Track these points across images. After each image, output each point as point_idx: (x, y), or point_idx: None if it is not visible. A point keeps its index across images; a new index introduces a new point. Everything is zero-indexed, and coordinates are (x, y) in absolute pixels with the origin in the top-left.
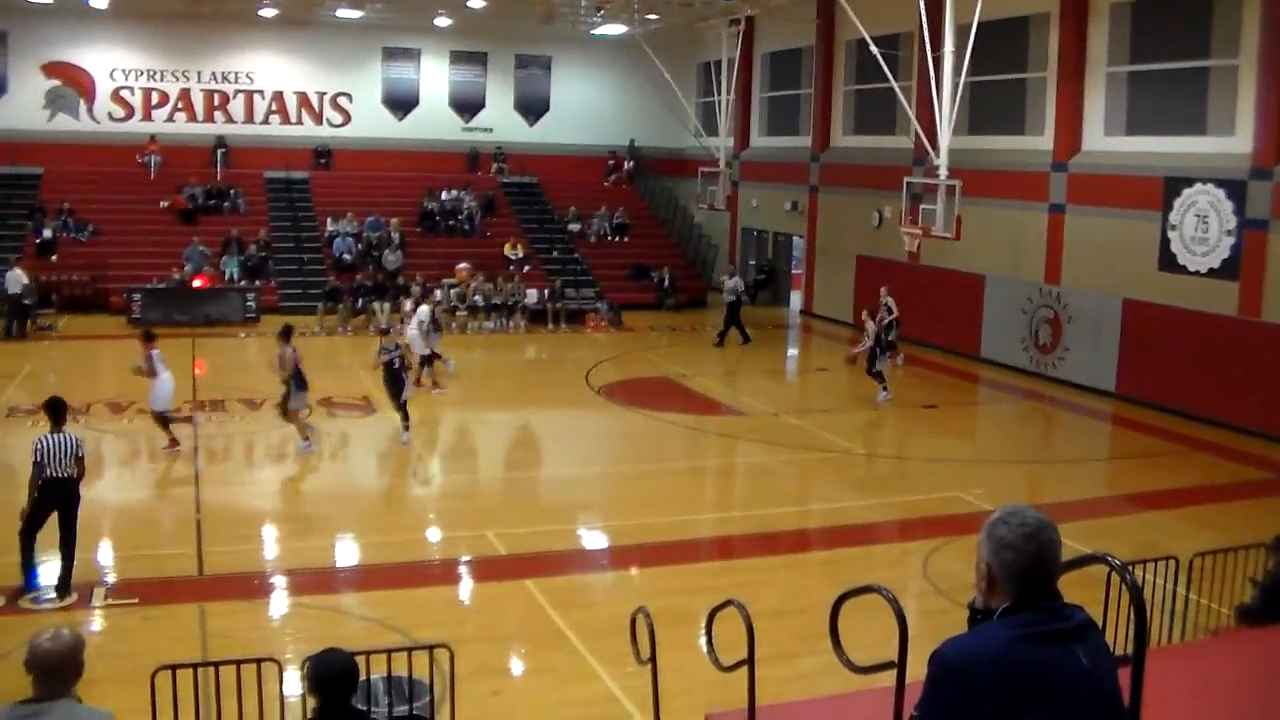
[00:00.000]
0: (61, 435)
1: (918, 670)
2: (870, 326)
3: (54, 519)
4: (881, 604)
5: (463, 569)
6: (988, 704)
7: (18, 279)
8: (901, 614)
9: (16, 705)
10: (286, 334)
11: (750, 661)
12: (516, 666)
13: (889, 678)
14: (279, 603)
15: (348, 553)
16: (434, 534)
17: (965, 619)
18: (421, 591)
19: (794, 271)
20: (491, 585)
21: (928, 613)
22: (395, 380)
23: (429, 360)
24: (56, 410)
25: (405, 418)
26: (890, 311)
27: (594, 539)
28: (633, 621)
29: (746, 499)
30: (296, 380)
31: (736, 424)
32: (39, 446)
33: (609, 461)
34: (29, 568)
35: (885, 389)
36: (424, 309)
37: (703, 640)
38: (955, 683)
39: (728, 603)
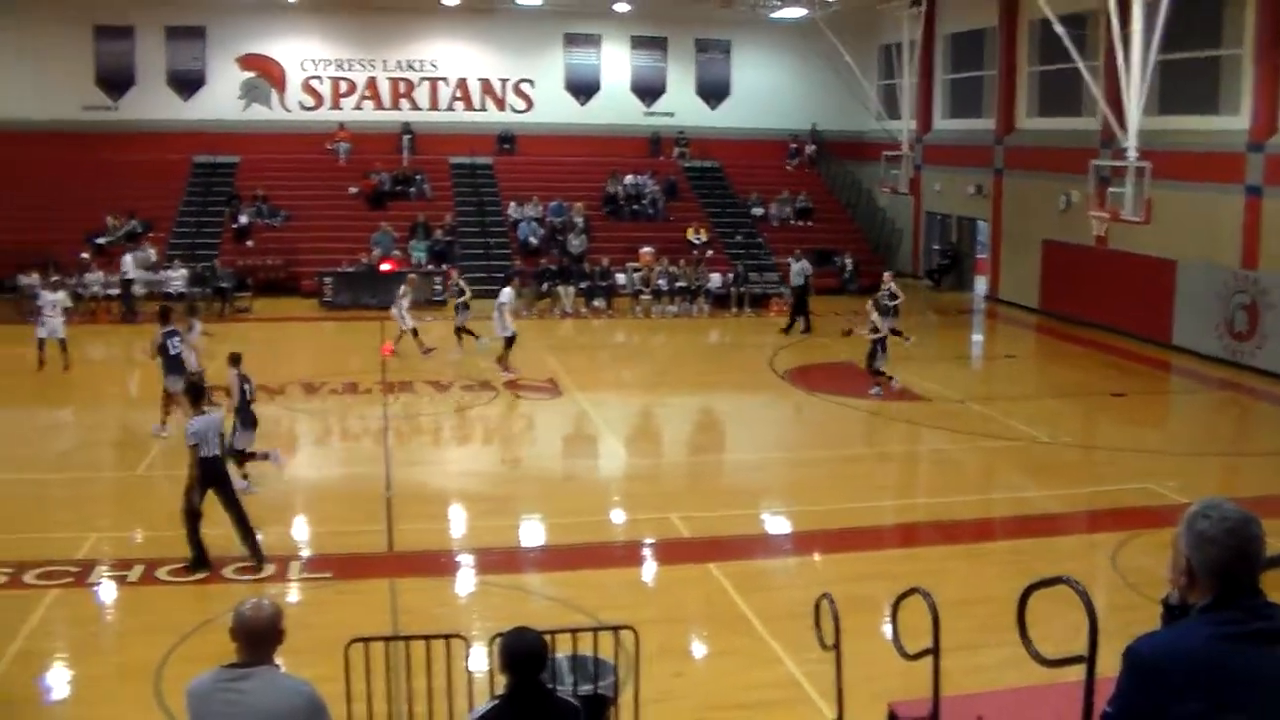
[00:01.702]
0: (208, 416)
1: (1107, 666)
2: (874, 317)
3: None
4: (1069, 597)
5: (646, 551)
6: (1184, 705)
7: (132, 263)
8: (1092, 607)
9: (223, 669)
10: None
11: (935, 651)
12: (699, 649)
13: (1077, 673)
14: (466, 580)
15: (533, 533)
16: (618, 516)
17: (1159, 615)
18: (606, 573)
19: (979, 256)
20: (675, 568)
21: (1117, 607)
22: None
23: (511, 341)
24: (198, 392)
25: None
26: (894, 297)
27: (777, 523)
28: (816, 607)
29: (929, 486)
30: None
31: (920, 410)
32: (195, 429)
33: (792, 446)
34: (198, 548)
35: (879, 387)
36: (508, 290)
37: (887, 628)
38: (1151, 681)
39: (912, 591)
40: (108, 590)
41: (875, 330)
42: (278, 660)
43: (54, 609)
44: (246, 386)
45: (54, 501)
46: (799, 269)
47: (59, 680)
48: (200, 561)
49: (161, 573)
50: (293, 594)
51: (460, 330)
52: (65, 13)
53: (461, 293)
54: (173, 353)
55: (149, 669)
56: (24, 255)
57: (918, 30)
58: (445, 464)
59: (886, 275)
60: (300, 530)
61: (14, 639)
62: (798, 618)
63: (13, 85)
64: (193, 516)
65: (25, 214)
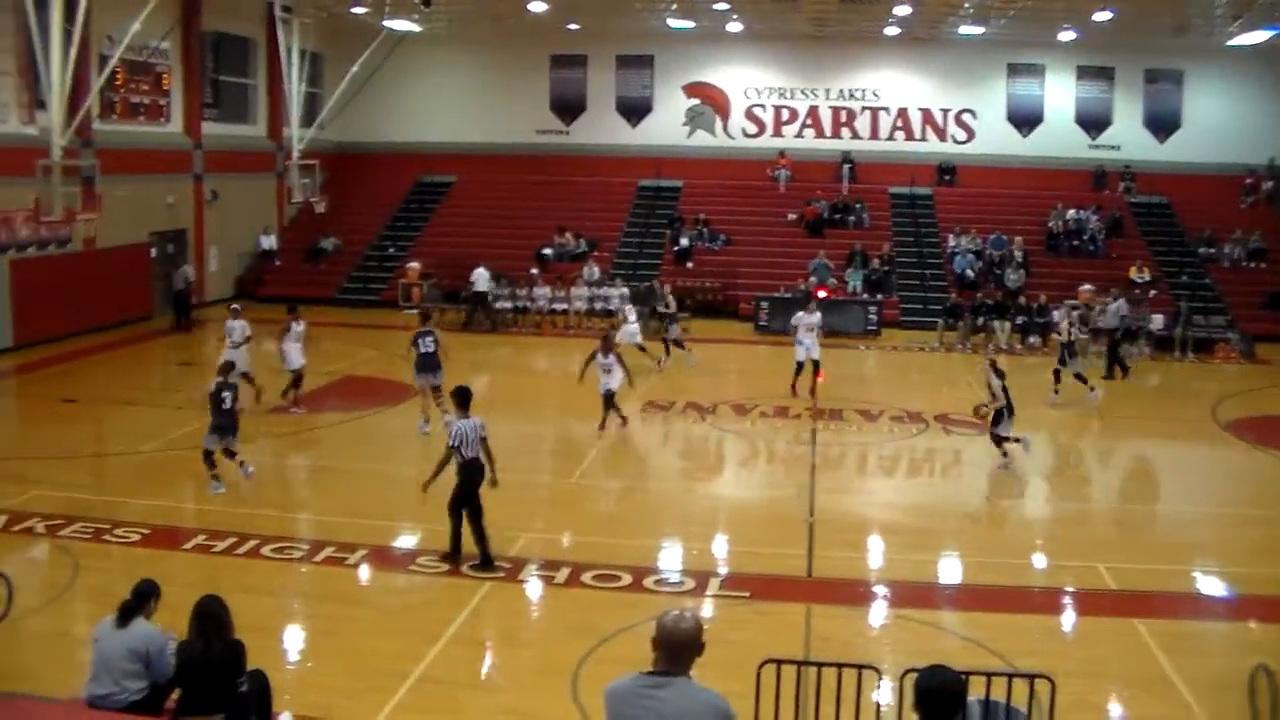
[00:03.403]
0: (470, 420)
1: None
2: (995, 381)
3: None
4: None
5: (1067, 599)
6: None
7: (483, 276)
8: None
9: (642, 675)
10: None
11: None
12: (1116, 709)
13: None
14: (880, 612)
15: (951, 570)
16: (1040, 560)
17: None
18: (1023, 618)
19: None
20: (1097, 620)
21: None
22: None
23: (815, 367)
24: (463, 398)
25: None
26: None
27: (1211, 584)
28: (1251, 679)
29: None
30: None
31: None
32: (457, 431)
33: (1233, 502)
34: (457, 540)
35: (1006, 455)
36: (806, 316)
37: None
38: None
39: None
40: (534, 588)
41: (993, 396)
42: (691, 672)
43: (487, 600)
44: (226, 395)
45: (494, 502)
46: (1114, 309)
47: (485, 665)
48: (454, 554)
49: (586, 577)
50: (709, 609)
51: (671, 341)
52: (526, 44)
53: (668, 305)
54: (423, 351)
55: (568, 666)
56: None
57: None
58: (869, 493)
59: (1073, 310)
60: (721, 548)
61: (451, 624)
62: (1228, 688)
63: (476, 112)
64: (459, 511)
65: (482, 230)
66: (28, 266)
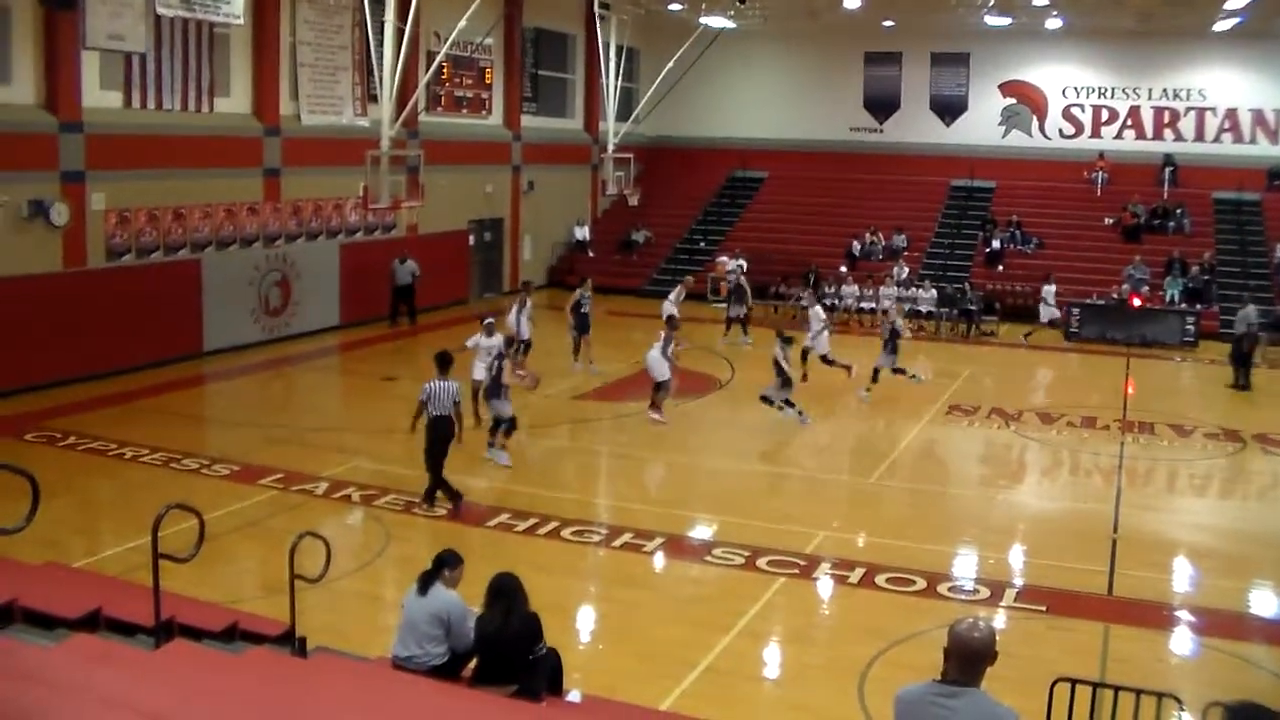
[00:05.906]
0: (445, 383)
1: None
2: (778, 352)
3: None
4: None
5: None
6: None
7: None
8: None
9: (934, 683)
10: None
11: None
12: None
13: None
14: (1184, 638)
15: (1266, 601)
16: None
17: None
18: None
19: None
20: None
21: None
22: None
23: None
24: (443, 361)
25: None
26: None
27: None
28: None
29: None
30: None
31: None
32: (427, 389)
33: None
34: (454, 494)
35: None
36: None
37: None
38: None
39: None
40: (827, 586)
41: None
42: (982, 684)
43: (779, 595)
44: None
45: (793, 497)
46: (1242, 315)
47: (773, 660)
48: (431, 495)
49: (880, 579)
50: (1003, 621)
51: (735, 319)
52: (840, 42)
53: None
54: (582, 310)
55: (855, 667)
56: (788, 265)
57: None
58: (1178, 512)
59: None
60: (1018, 558)
61: (742, 616)
62: None
63: (789, 108)
64: (435, 470)
65: (792, 226)
66: (355, 250)
